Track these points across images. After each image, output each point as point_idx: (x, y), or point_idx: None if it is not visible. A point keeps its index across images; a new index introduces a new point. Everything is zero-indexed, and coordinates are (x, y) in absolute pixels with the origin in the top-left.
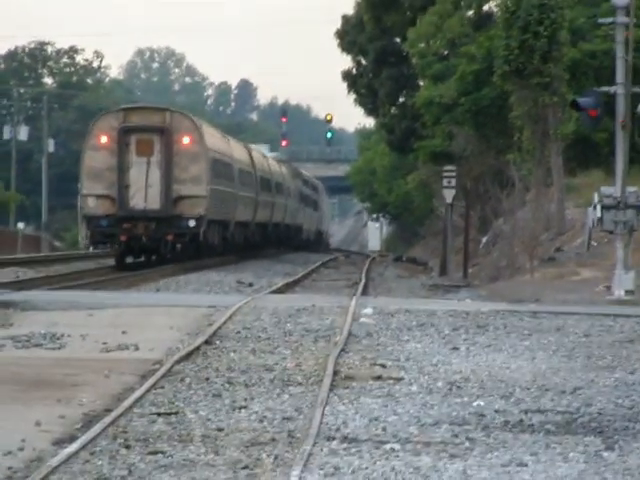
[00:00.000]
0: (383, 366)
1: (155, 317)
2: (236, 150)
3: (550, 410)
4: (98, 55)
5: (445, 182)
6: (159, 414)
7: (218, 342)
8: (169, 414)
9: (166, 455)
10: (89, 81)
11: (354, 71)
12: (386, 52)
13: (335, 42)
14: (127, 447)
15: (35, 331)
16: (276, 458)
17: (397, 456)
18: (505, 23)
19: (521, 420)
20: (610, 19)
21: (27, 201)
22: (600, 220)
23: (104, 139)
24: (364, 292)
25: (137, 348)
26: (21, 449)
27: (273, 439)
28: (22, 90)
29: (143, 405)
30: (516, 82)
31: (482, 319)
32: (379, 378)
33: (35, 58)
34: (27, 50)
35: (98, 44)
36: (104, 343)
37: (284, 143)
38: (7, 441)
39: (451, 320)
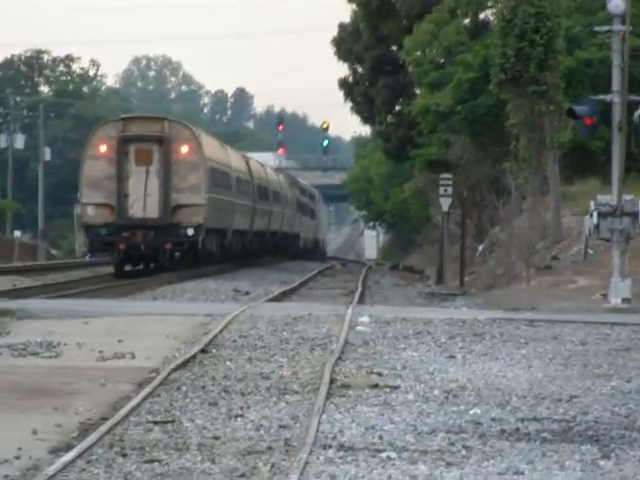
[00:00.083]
0: (379, 374)
1: (151, 325)
2: (234, 159)
3: (546, 418)
4: (94, 63)
5: (441, 190)
6: (155, 422)
7: (214, 350)
8: (165, 422)
9: (162, 463)
10: (85, 89)
11: (350, 79)
12: (382, 60)
13: (331, 50)
14: (123, 455)
15: (31, 339)
16: (272, 467)
17: (394, 464)
18: (501, 31)
19: (517, 428)
20: (606, 27)
21: (24, 209)
22: (597, 228)
23: (103, 148)
24: (360, 300)
25: (133, 356)
26: (17, 457)
27: (269, 447)
28: (18, 98)
29: (139, 413)
30: (512, 90)
31: (478, 327)
32: (375, 386)
33: (31, 66)
34: (23, 58)
35: (94, 52)
36: (100, 352)
37: (280, 151)
38: (3, 449)
39: (447, 328)
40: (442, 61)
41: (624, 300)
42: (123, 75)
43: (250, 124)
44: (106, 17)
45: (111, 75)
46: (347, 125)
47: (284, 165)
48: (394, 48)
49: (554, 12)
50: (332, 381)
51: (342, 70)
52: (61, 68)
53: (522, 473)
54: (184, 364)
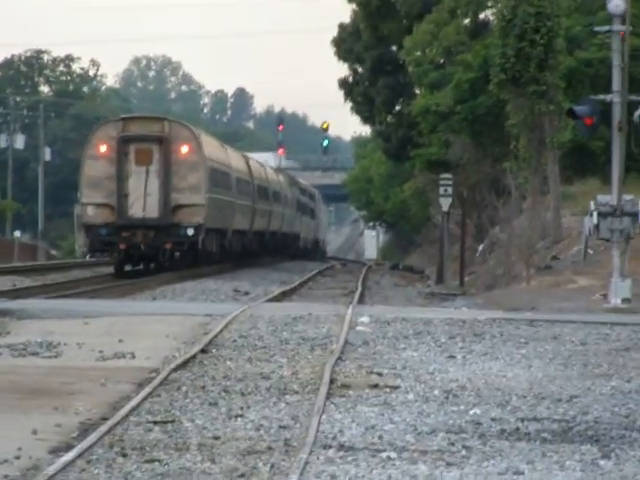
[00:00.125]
0: (379, 374)
1: (151, 325)
2: (234, 159)
3: (546, 418)
4: (94, 63)
5: (441, 190)
6: (155, 422)
7: (214, 350)
8: (165, 422)
9: (162, 463)
10: (85, 90)
11: (350, 79)
12: (382, 60)
13: (331, 50)
14: (123, 455)
15: (31, 339)
16: (272, 467)
17: (394, 464)
18: (501, 31)
19: (517, 428)
20: (606, 27)
21: (23, 209)
22: (597, 228)
23: (103, 148)
24: (360, 300)
25: (133, 356)
26: (17, 457)
27: (269, 447)
28: (18, 98)
29: (139, 413)
30: (512, 90)
31: (478, 327)
32: (375, 386)
33: (31, 66)
34: (23, 58)
35: (94, 52)
36: (100, 351)
37: (280, 151)
38: (3, 449)
39: (447, 328)
40: (442, 61)
41: (624, 300)
42: (123, 75)
43: (250, 124)
44: (106, 17)
45: (111, 75)
46: (347, 125)
47: (284, 165)
48: (394, 48)
49: (554, 12)
50: (332, 381)
51: (342, 70)
52: (61, 68)
53: (522, 473)
54: (184, 364)
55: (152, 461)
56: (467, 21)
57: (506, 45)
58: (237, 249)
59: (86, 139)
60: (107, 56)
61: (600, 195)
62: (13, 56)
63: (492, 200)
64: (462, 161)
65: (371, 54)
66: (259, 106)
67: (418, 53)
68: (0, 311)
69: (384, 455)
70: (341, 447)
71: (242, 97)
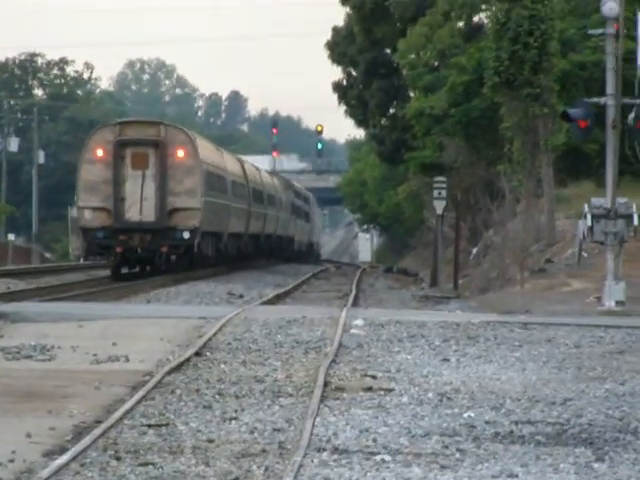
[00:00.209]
0: (374, 377)
1: (145, 328)
2: (229, 162)
3: (540, 421)
4: (88, 67)
5: (435, 193)
6: (149, 426)
7: (208, 353)
8: (159, 426)
9: (156, 467)
10: (79, 93)
11: (344, 82)
12: (376, 63)
13: (325, 53)
14: (117, 459)
15: (25, 342)
16: (267, 469)
17: (388, 467)
18: (495, 34)
19: (511, 431)
20: (600, 30)
21: (17, 212)
22: (590, 231)
23: (100, 152)
24: (355, 303)
25: (127, 359)
26: (11, 460)
27: (264, 450)
28: (12, 102)
29: (133, 417)
30: (506, 93)
31: (472, 330)
32: (370, 389)
33: (25, 70)
34: (17, 62)
35: (88, 56)
36: (94, 355)
37: (274, 154)
38: None
39: (441, 331)
40: (436, 64)
41: (618, 303)
42: (117, 78)
43: (244, 127)
44: (100, 20)
45: (105, 78)
46: (341, 128)
47: (286, 167)
48: (388, 51)
49: (548, 15)
50: (326, 384)
51: (336, 73)
52: (55, 71)
53: (516, 476)
54: (178, 367)
55: (146, 464)
56: (461, 24)
57: (500, 48)
58: (232, 252)
59: (80, 142)
60: (101, 59)
61: (594, 198)
62: (7, 59)
63: (486, 203)
64: (456, 164)
65: (365, 57)
66: (253, 109)
67: (412, 56)
68: None
69: (378, 458)
70: (335, 450)
71: (236, 100)
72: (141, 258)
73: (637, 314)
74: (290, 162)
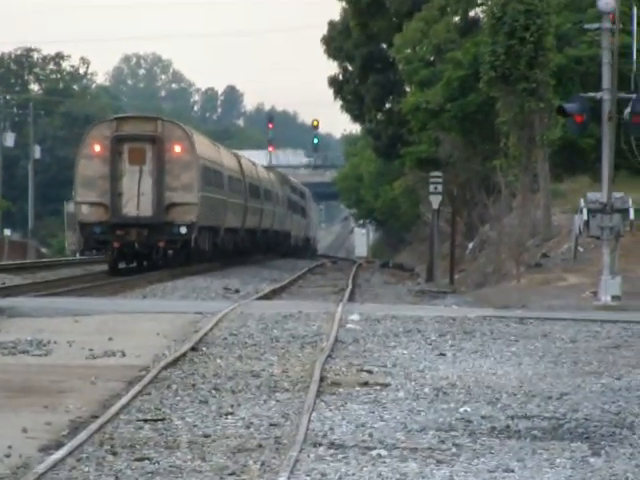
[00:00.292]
0: (370, 372)
1: (142, 323)
2: (226, 157)
3: (536, 416)
4: (84, 61)
5: (431, 188)
6: (146, 420)
7: (205, 348)
8: (156, 420)
9: (153, 461)
10: (75, 87)
11: (340, 77)
12: (372, 58)
13: (321, 48)
14: (114, 454)
15: (21, 338)
16: (263, 464)
17: (384, 462)
18: (491, 29)
19: (508, 426)
20: (596, 25)
21: (13, 208)
22: (586, 225)
23: (97, 148)
24: (351, 298)
25: (123, 354)
26: (7, 455)
27: (260, 445)
28: (8, 97)
29: (129, 411)
30: (502, 88)
31: (469, 325)
32: (366, 384)
33: (21, 65)
34: (13, 57)
35: (84, 50)
36: (90, 350)
37: (270, 149)
38: None
39: (438, 326)
40: (432, 59)
41: (614, 298)
42: (113, 73)
43: (240, 122)
44: (96, 15)
45: (101, 73)
46: (337, 123)
47: (285, 162)
48: (384, 46)
49: (544, 9)
50: (322, 379)
51: (332, 68)
52: (51, 66)
53: (512, 471)
54: (174, 362)
55: (142, 459)
56: (457, 19)
57: (496, 43)
58: (229, 247)
59: (76, 137)
60: (97, 54)
61: (590, 192)
62: (3, 54)
63: (482, 198)
64: (452, 159)
65: (361, 52)
66: (249, 104)
67: (408, 51)
68: None
69: (374, 453)
70: (331, 445)
71: (232, 95)
72: (138, 253)
73: (633, 309)
74: (296, 157)
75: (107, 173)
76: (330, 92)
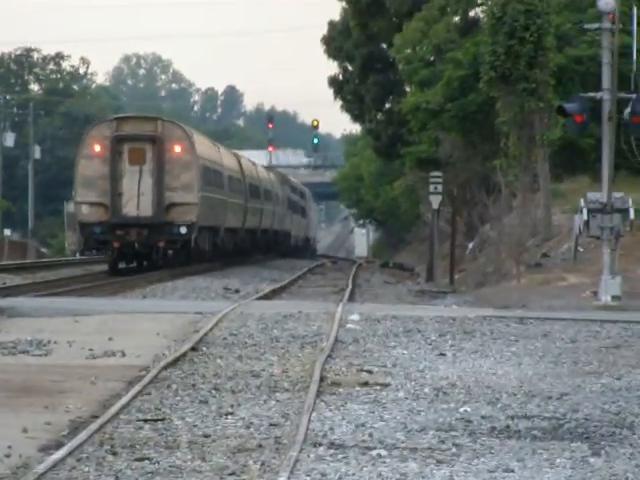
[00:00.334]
0: (370, 372)
1: (142, 323)
2: (226, 158)
3: (537, 416)
4: (84, 61)
5: (431, 188)
6: (146, 420)
7: (205, 348)
8: (156, 420)
9: (153, 461)
10: (75, 87)
11: (340, 77)
12: (372, 58)
13: (321, 48)
14: (114, 454)
15: (22, 338)
16: (263, 464)
17: (384, 462)
18: (491, 29)
19: (508, 426)
20: (596, 25)
21: (13, 208)
22: (587, 225)
23: (97, 148)
24: (351, 298)
25: (124, 354)
26: (8, 455)
27: (260, 445)
28: (8, 97)
29: (129, 411)
30: (502, 88)
31: (469, 325)
32: (366, 384)
33: (21, 65)
34: (13, 57)
35: (84, 50)
36: (90, 350)
37: (270, 149)
38: None
39: (438, 326)
40: (432, 59)
41: (614, 298)
42: (113, 73)
43: (240, 122)
44: (97, 15)
45: (101, 73)
46: (337, 123)
47: (285, 162)
48: (384, 46)
49: (544, 9)
50: (322, 379)
51: (332, 68)
52: (51, 66)
53: (512, 471)
54: (174, 362)
55: (142, 459)
56: (457, 19)
57: (496, 43)
58: (229, 247)
59: (76, 137)
60: (97, 54)
61: (590, 192)
62: (3, 54)
63: (482, 198)
64: (452, 159)
65: (361, 52)
66: (249, 104)
67: (408, 51)
68: None
69: (374, 453)
70: (331, 445)
71: (232, 95)
72: (138, 253)
73: (633, 309)
74: (296, 157)
75: (107, 173)
76: (330, 92)
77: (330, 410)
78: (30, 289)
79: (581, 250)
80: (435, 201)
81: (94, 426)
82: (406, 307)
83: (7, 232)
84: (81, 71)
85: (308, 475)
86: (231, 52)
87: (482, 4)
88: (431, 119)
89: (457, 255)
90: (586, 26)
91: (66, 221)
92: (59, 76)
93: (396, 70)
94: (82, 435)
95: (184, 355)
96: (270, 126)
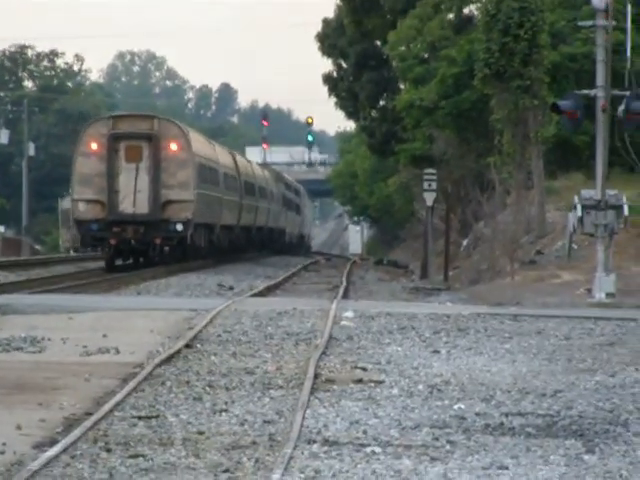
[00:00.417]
0: (364, 369)
1: (136, 320)
2: (221, 155)
3: (531, 413)
4: (79, 58)
5: (426, 185)
6: (140, 417)
7: (199, 345)
8: (150, 417)
9: (147, 458)
10: (69, 84)
11: (334, 74)
12: (367, 55)
13: (316, 45)
14: (108, 451)
15: (16, 335)
16: (257, 461)
17: (378, 459)
18: (485, 26)
19: (502, 423)
20: (590, 22)
21: (7, 205)
22: (581, 222)
23: (94, 146)
24: (345, 295)
25: (118, 351)
26: (2, 452)
27: (254, 442)
28: (2, 93)
29: (124, 409)
30: (496, 85)
31: (463, 322)
32: (360, 381)
33: (15, 62)
34: (7, 53)
35: (79, 47)
36: (84, 347)
37: (265, 146)
38: None
39: (432, 323)
40: (426, 56)
41: (608, 295)
42: (107, 70)
43: (234, 119)
44: (91, 12)
45: (95, 70)
46: (331, 120)
47: (279, 159)
48: (378, 43)
49: (538, 7)
50: (316, 376)
51: (326, 65)
52: (45, 63)
53: (506, 468)
54: (168, 359)
55: (136, 456)
56: (451, 16)
57: (490, 40)
58: (224, 244)
59: (70, 134)
60: (92, 51)
61: (584, 190)
62: None
63: (476, 195)
64: (446, 156)
65: (355, 49)
66: (243, 101)
67: (402, 48)
68: None
69: (368, 450)
70: (325, 442)
71: (226, 92)
72: (135, 250)
73: (627, 306)
74: (291, 154)
75: (104, 171)
76: (324, 89)
77: (324, 407)
78: (24, 286)
79: (575, 247)
80: (429, 198)
81: (88, 423)
82: (400, 304)
83: (1, 229)
84: (75, 68)
85: (302, 472)
86: (225, 49)
87: (476, 1)
88: (425, 116)
89: (451, 252)
90: (580, 23)
91: (60, 218)
92: (53, 73)
93: (390, 67)
94: (76, 432)
95: (178, 352)
96: (265, 123)
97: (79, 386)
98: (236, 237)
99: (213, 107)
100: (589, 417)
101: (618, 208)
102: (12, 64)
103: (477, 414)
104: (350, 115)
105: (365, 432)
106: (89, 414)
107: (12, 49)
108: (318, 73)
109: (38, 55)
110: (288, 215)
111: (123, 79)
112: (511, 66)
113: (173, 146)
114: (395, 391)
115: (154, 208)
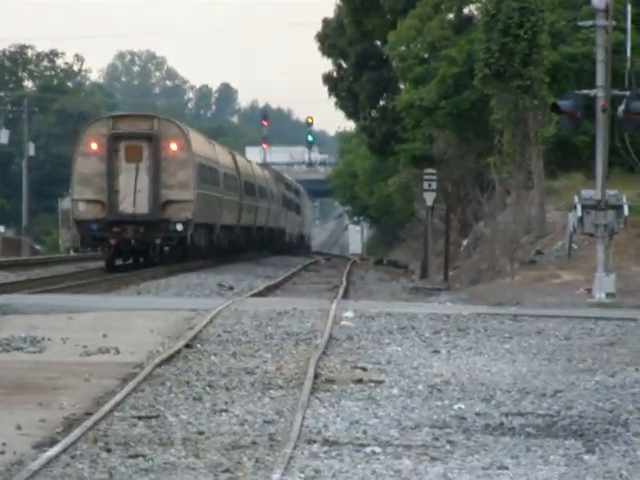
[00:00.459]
0: (364, 369)
1: (136, 320)
2: (221, 155)
3: (531, 413)
4: (79, 58)
5: (426, 185)
6: (140, 417)
7: (199, 345)
8: (150, 417)
9: (147, 458)
10: (69, 84)
11: (335, 74)
12: (367, 55)
13: (316, 45)
14: (108, 451)
15: (16, 334)
16: (257, 461)
17: (378, 459)
18: (485, 26)
19: (502, 423)
20: (590, 22)
21: (7, 205)
22: (581, 222)
23: (94, 146)
24: (345, 295)
25: (118, 351)
26: (2, 452)
27: (254, 442)
28: (2, 94)
29: (124, 409)
30: (496, 85)
31: (463, 322)
32: (360, 381)
33: (15, 62)
34: (7, 53)
35: (79, 47)
36: (84, 347)
37: (265, 146)
38: None
39: (432, 323)
40: (426, 56)
41: (608, 295)
42: (107, 70)
43: (234, 119)
44: (91, 12)
45: (95, 70)
46: (332, 120)
47: (279, 159)
48: (378, 43)
49: (538, 7)
50: (316, 376)
51: (326, 65)
52: (45, 63)
53: (506, 468)
54: (168, 359)
55: (136, 456)
56: (451, 16)
57: (490, 40)
58: (224, 244)
59: (71, 134)
60: (92, 51)
61: (584, 190)
62: None
63: (476, 195)
64: (446, 156)
65: (355, 49)
66: (243, 101)
67: (402, 48)
68: None
69: (368, 450)
70: (325, 442)
71: (226, 92)
72: (135, 250)
73: (627, 306)
74: (291, 154)
75: (104, 171)
76: (324, 89)
77: (324, 407)
78: (24, 286)
79: (575, 247)
80: (429, 198)
81: (88, 423)
82: (400, 304)
83: (1, 229)
84: (75, 68)
85: (302, 472)
86: (225, 49)
87: (476, 1)
88: (425, 116)
89: (451, 252)
90: (580, 23)
91: (60, 218)
92: (53, 73)
93: (390, 67)
94: (76, 432)
95: (178, 352)
96: (265, 123)
97: (79, 386)
98: (236, 237)
99: (213, 107)
100: (589, 417)
101: (618, 208)
102: (12, 64)
103: (477, 414)
104: (350, 115)
105: (365, 432)
106: (89, 414)
107: (12, 49)
108: (318, 73)
109: (38, 55)
110: (288, 215)
111: (123, 79)
112: (511, 66)
113: (173, 146)
114: (395, 391)
115: (154, 208)
